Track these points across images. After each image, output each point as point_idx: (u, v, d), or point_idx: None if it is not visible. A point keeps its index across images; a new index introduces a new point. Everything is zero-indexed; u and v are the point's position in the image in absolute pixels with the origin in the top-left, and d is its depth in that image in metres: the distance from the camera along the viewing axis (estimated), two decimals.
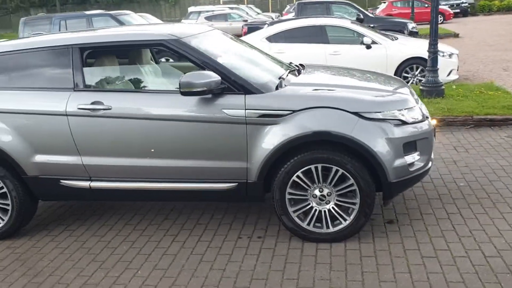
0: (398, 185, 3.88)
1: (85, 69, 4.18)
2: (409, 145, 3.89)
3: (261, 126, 3.83)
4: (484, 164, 5.43)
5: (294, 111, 3.81)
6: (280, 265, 3.67)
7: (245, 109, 3.83)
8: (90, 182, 4.14)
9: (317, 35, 9.77)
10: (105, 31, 4.79)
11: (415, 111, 4.03)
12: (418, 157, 3.96)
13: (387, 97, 4.07)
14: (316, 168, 3.81)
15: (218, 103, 3.87)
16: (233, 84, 3.89)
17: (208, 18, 22.53)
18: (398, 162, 3.81)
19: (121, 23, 12.44)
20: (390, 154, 3.78)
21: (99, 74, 4.32)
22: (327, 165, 3.79)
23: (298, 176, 3.84)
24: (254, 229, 4.24)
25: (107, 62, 4.46)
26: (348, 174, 3.78)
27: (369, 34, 9.66)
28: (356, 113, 3.77)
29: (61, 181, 4.16)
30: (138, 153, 4.04)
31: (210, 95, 3.85)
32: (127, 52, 4.80)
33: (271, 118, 3.82)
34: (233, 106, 3.85)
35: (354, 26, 9.92)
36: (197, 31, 4.53)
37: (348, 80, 4.71)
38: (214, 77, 3.78)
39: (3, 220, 4.27)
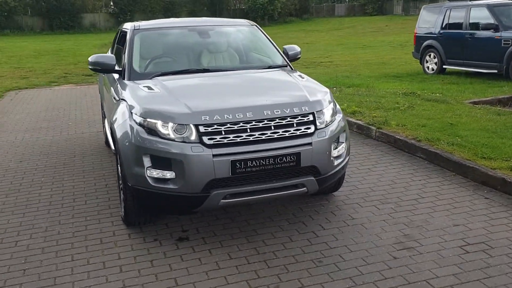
0: (139, 193, 3.86)
1: None
2: (159, 161, 3.73)
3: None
4: None
5: (119, 100, 4.41)
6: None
7: (116, 89, 4.74)
8: None
9: None
10: None
11: (187, 131, 3.68)
12: (172, 177, 3.71)
13: (166, 107, 3.83)
14: None
15: (116, 81, 4.88)
16: (123, 69, 4.78)
17: None
18: (136, 170, 3.80)
19: (495, 15, 11.13)
20: (129, 158, 3.84)
21: None
22: None
23: None
24: None
25: None
26: None
27: None
28: (130, 113, 3.99)
29: None
30: None
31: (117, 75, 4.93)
32: None
33: (116, 101, 4.56)
34: (114, 85, 4.81)
35: None
36: (170, 25, 5.36)
37: (214, 90, 4.35)
38: (109, 61, 4.80)
39: None
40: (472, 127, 6.58)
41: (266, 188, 3.80)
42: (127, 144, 3.86)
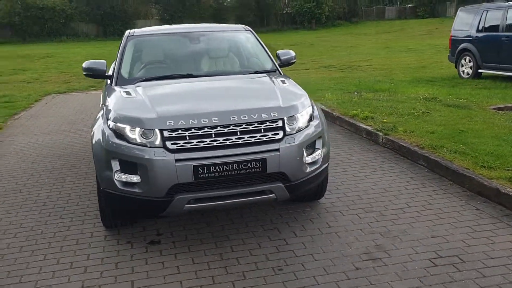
0: (109, 196, 3.95)
1: None
2: (126, 165, 3.80)
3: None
4: None
5: (102, 105, 4.55)
6: None
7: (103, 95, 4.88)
8: None
9: None
10: None
11: (153, 136, 3.73)
12: (138, 181, 3.78)
13: (135, 113, 3.91)
14: None
15: (106, 87, 5.03)
16: (112, 75, 4.92)
17: None
18: (106, 173, 3.89)
19: None
20: (101, 162, 3.94)
21: None
22: None
23: None
24: None
25: None
26: None
27: None
28: (106, 118, 4.09)
29: None
30: None
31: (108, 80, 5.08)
32: None
33: (100, 106, 4.69)
34: (104, 91, 4.96)
35: None
36: (163, 31, 5.43)
37: (187, 93, 4.48)
38: (100, 67, 4.94)
39: None
40: (483, 134, 6.28)
41: (231, 193, 3.79)
42: (99, 148, 3.97)
